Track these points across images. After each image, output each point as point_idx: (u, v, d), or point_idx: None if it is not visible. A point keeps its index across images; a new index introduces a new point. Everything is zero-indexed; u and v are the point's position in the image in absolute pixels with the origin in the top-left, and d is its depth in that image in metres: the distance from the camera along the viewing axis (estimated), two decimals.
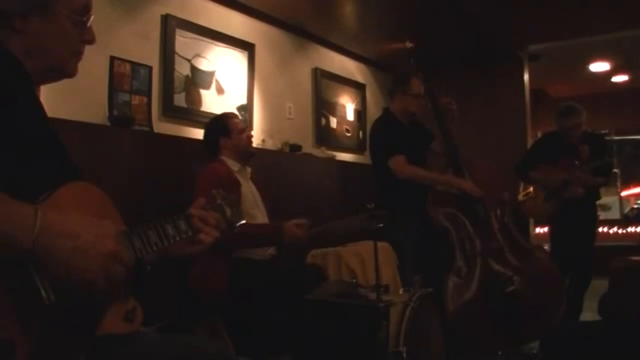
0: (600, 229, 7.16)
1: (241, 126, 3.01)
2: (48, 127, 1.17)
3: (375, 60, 5.49)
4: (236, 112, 3.72)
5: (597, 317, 2.39)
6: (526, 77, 5.52)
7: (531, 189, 3.71)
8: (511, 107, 5.40)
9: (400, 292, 2.52)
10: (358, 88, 5.34)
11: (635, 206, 8.51)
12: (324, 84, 4.86)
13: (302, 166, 4.31)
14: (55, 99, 2.70)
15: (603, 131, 7.33)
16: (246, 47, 4.03)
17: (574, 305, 3.64)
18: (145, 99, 3.28)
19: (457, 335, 2.80)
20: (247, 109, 3.98)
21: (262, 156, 3.44)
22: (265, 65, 4.24)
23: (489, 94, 5.39)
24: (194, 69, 3.63)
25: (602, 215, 8.02)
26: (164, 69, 3.42)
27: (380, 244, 2.47)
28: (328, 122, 4.92)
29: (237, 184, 2.80)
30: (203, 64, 3.69)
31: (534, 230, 5.59)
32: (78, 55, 1.23)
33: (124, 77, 3.16)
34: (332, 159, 4.77)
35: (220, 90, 3.81)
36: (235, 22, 3.99)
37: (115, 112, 3.07)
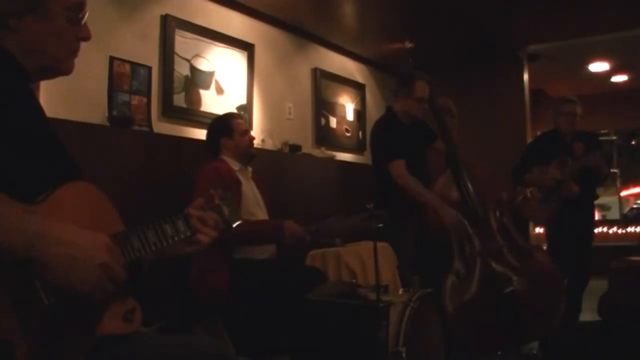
0: (600, 229, 7.17)
1: (244, 127, 3.01)
2: (47, 126, 1.17)
3: (375, 60, 5.49)
4: (235, 112, 3.72)
5: (597, 317, 2.39)
6: (526, 77, 5.52)
7: (528, 192, 3.70)
8: (511, 107, 5.40)
9: (400, 292, 2.52)
10: (358, 88, 5.33)
11: (635, 206, 8.51)
12: (323, 84, 4.86)
13: (302, 166, 4.31)
14: (55, 99, 2.70)
15: (603, 131, 7.33)
16: (246, 47, 4.03)
17: (573, 306, 3.64)
18: (144, 99, 3.28)
19: (456, 335, 2.80)
20: (246, 109, 3.98)
21: (262, 156, 3.44)
22: (265, 66, 4.23)
23: (489, 94, 5.39)
24: (193, 69, 3.62)
25: (604, 215, 8.05)
26: (164, 69, 3.42)
27: (380, 244, 2.47)
28: (328, 122, 4.92)
29: (238, 183, 2.80)
30: (203, 64, 3.69)
31: (534, 230, 5.58)
32: (74, 52, 1.23)
33: (123, 77, 3.16)
34: (332, 159, 4.77)
35: (219, 91, 3.81)
36: (235, 22, 3.99)
37: (114, 112, 3.07)
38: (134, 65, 3.23)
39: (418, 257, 3.25)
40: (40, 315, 0.93)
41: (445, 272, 2.97)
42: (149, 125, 3.26)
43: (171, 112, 3.47)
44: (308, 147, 4.58)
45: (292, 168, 4.17)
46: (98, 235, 1.00)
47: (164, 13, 3.44)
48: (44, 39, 1.16)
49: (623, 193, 8.39)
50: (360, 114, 5.32)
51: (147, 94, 3.29)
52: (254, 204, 2.90)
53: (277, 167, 3.96)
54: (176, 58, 3.50)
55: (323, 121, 4.85)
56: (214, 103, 3.72)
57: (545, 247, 3.75)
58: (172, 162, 3.20)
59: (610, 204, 8.18)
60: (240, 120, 3.05)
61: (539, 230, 5.64)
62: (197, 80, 3.65)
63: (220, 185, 1.71)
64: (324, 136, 4.85)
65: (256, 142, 3.34)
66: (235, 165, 2.91)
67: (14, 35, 1.12)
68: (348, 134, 5.15)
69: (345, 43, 5.03)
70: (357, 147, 5.23)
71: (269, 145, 4.08)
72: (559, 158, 3.68)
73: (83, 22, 1.22)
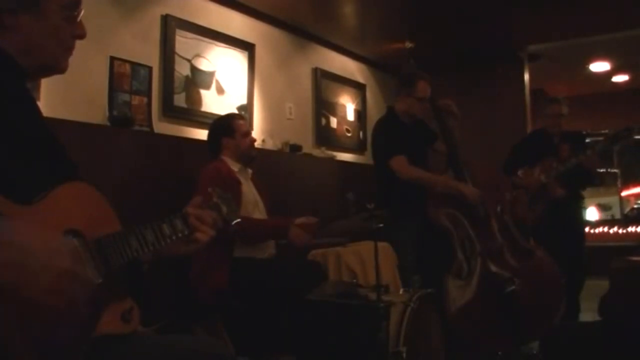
0: (600, 229, 7.17)
1: (246, 128, 3.01)
2: (43, 125, 1.17)
3: (376, 60, 5.49)
4: (236, 112, 3.72)
5: (597, 317, 2.39)
6: (526, 77, 5.52)
7: (514, 194, 3.69)
8: (511, 107, 5.40)
9: (400, 292, 2.52)
10: (358, 88, 5.34)
11: (636, 206, 8.49)
12: (324, 84, 4.86)
13: (302, 166, 4.31)
14: (55, 99, 2.70)
15: (603, 131, 7.31)
16: (246, 47, 4.03)
17: (572, 306, 3.63)
18: (145, 99, 3.28)
19: (457, 335, 2.80)
20: (247, 109, 3.98)
21: (262, 156, 3.44)
22: (265, 66, 4.24)
23: (489, 94, 5.39)
24: (194, 69, 3.63)
25: (602, 216, 8.04)
26: (164, 69, 3.42)
27: (380, 244, 2.47)
28: (328, 122, 4.92)
29: (238, 183, 2.80)
30: (203, 64, 3.69)
31: None
32: (69, 50, 1.23)
33: (123, 77, 3.16)
34: (332, 159, 4.77)
35: (220, 91, 3.81)
36: (235, 22, 3.99)
37: (115, 113, 3.07)
38: (135, 65, 3.23)
39: (419, 257, 3.25)
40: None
41: (446, 272, 2.97)
42: (150, 125, 3.26)
43: (172, 112, 3.47)
44: (308, 147, 4.58)
45: (292, 168, 4.16)
46: (63, 241, 0.94)
47: (164, 13, 3.44)
48: (40, 37, 1.15)
49: (624, 193, 8.37)
50: (360, 114, 5.32)
51: (148, 94, 3.30)
52: (253, 205, 2.90)
53: (277, 167, 3.96)
54: (177, 58, 3.50)
55: (323, 121, 4.85)
56: (214, 103, 3.72)
57: None
58: (173, 162, 3.20)
59: (611, 203, 8.17)
60: (242, 121, 3.05)
61: None
62: (197, 80, 3.65)
63: (221, 184, 1.71)
64: (325, 136, 4.85)
65: (257, 142, 3.35)
66: (235, 166, 2.91)
67: (10, 34, 1.12)
68: (348, 134, 5.15)
69: (346, 43, 5.04)
70: (357, 147, 5.23)
71: (270, 145, 4.09)
72: (546, 158, 3.69)
73: (78, 19, 1.22)
